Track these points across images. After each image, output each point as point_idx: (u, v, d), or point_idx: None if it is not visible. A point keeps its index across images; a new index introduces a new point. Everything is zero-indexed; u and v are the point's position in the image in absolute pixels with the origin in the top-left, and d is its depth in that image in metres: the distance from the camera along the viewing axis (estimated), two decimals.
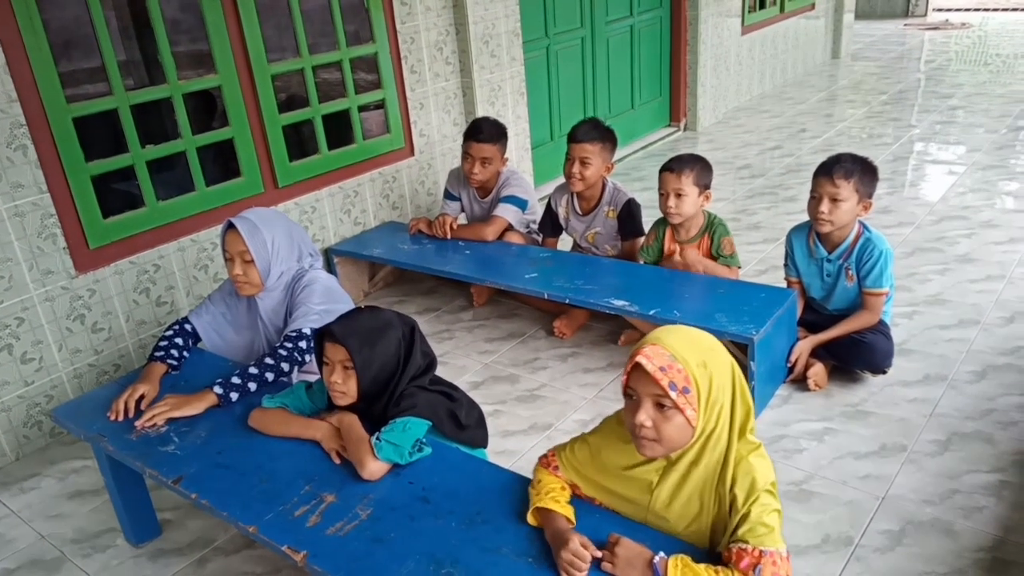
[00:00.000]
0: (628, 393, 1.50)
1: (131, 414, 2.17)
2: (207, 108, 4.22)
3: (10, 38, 2.67)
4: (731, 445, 1.49)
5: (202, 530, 2.44)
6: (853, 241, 2.82)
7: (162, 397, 2.20)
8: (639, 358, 1.43)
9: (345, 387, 1.91)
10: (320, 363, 1.97)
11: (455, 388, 2.13)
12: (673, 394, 1.41)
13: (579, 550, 1.47)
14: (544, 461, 1.75)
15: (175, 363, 2.39)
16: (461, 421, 2.09)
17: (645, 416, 1.44)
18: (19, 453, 2.92)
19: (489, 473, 1.87)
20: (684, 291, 2.92)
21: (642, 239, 3.36)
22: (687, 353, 1.44)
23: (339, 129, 3.96)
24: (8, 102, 2.69)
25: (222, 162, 3.75)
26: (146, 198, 3.20)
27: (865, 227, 2.84)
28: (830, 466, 2.46)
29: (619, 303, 2.88)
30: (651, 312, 2.79)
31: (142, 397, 2.21)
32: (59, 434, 2.99)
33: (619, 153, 4.07)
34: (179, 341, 2.44)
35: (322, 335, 1.94)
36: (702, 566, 1.43)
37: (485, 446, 2.20)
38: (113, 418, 2.17)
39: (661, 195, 3.05)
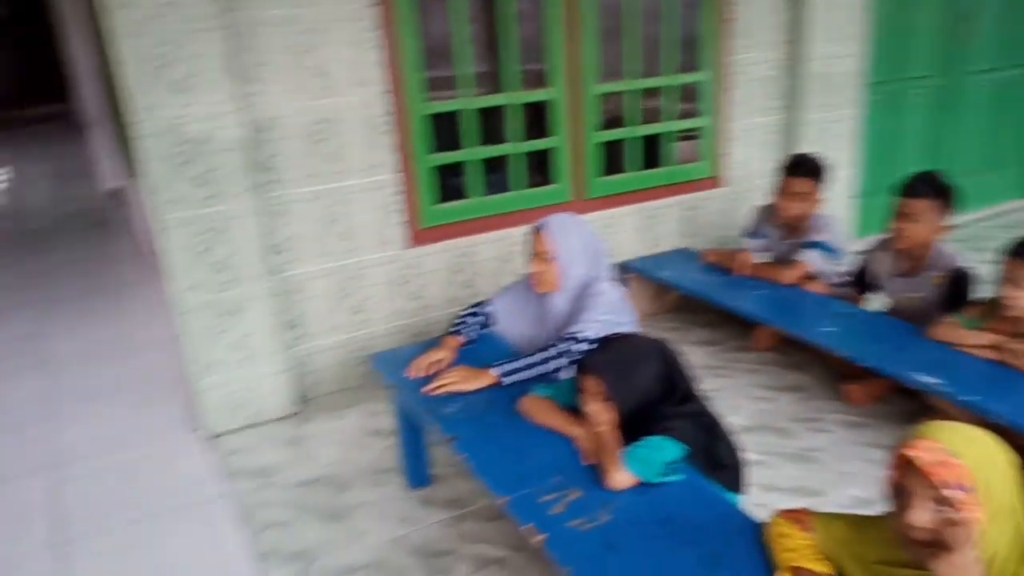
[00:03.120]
0: (898, 491, 1.35)
1: (427, 373, 2.47)
2: (535, 119, 4.58)
3: (392, 43, 3.18)
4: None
5: (463, 493, 2.69)
6: None
7: (455, 366, 2.47)
8: (910, 452, 1.29)
9: (604, 416, 1.94)
10: (579, 390, 2.02)
11: (718, 424, 2.08)
12: (952, 493, 1.25)
13: None
14: (792, 516, 1.63)
15: (471, 338, 2.65)
16: (718, 459, 2.03)
17: (919, 516, 1.29)
18: (340, 386, 3.45)
19: (739, 519, 1.79)
20: (1021, 382, 2.48)
21: None
22: (965, 448, 1.28)
23: (652, 151, 4.05)
24: (382, 93, 3.20)
25: (539, 169, 4.05)
26: (472, 192, 3.59)
27: None
28: None
29: (928, 380, 2.52)
30: (966, 398, 2.41)
31: (439, 362, 2.50)
32: (371, 378, 3.45)
33: (964, 217, 3.59)
34: (477, 320, 2.70)
35: (580, 366, 2.00)
36: None
37: (740, 492, 2.11)
38: (411, 375, 2.48)
39: (1006, 283, 2.57)
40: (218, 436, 3.12)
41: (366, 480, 2.81)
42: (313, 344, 3.35)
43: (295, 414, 3.27)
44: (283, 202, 3.13)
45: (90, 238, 6.12)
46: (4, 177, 8.24)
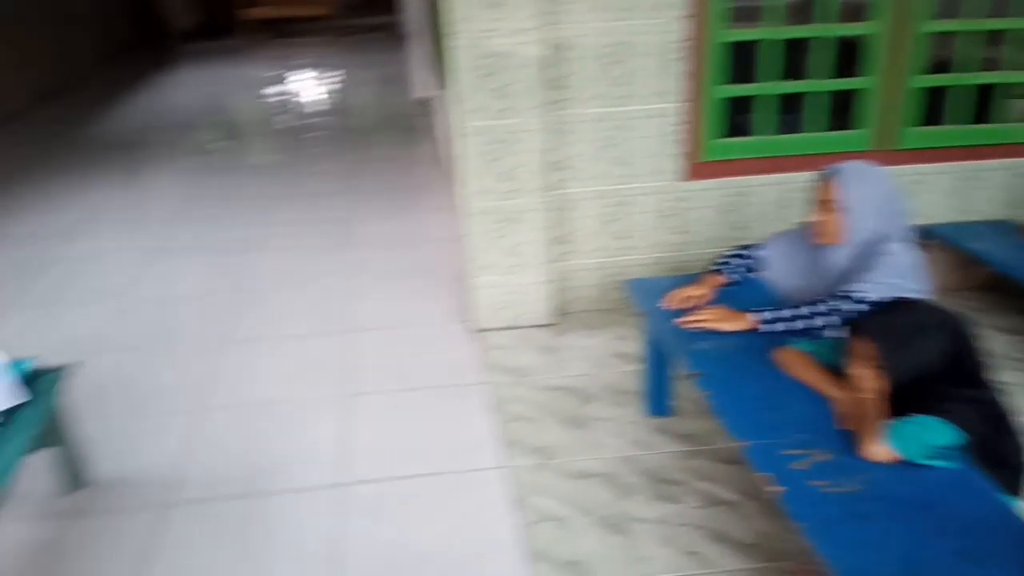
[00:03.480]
0: None
1: (682, 307, 2.46)
2: (845, 56, 4.14)
3: None
4: None
5: (701, 430, 2.70)
6: None
7: (713, 304, 2.43)
8: None
9: (871, 383, 1.80)
10: (846, 352, 1.88)
11: (1007, 418, 1.83)
12: None
13: None
14: None
15: (733, 279, 2.58)
16: (1000, 456, 1.81)
17: None
18: (595, 306, 3.57)
19: (1014, 522, 1.59)
20: None
21: None
22: None
23: (983, 103, 3.49)
24: (682, 18, 3.11)
25: (840, 111, 3.70)
26: (761, 129, 3.40)
27: None
28: None
29: None
30: None
31: (697, 297, 2.47)
32: (625, 303, 3.49)
33: None
34: (744, 262, 2.60)
35: (852, 327, 1.85)
36: None
37: (1019, 496, 1.86)
38: (666, 306, 2.49)
39: None
40: (483, 331, 3.42)
41: (608, 398, 2.92)
42: (576, 262, 3.49)
43: (552, 324, 3.46)
44: (567, 121, 3.23)
45: (398, 140, 6.85)
46: (339, 78, 9.45)
